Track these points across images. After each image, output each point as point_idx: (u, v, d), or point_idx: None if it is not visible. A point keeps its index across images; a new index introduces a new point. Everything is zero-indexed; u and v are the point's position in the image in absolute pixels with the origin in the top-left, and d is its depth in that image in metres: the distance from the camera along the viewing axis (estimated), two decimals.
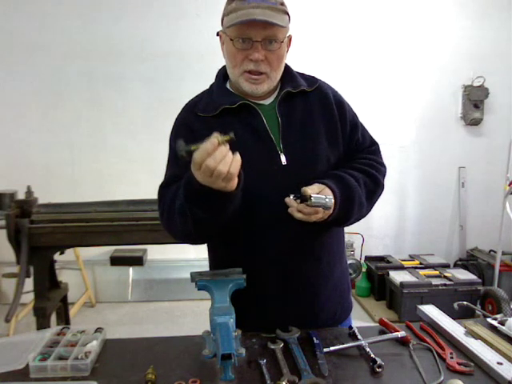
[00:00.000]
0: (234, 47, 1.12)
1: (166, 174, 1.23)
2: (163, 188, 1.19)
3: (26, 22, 3.65)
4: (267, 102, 1.21)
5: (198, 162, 0.93)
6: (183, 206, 1.05)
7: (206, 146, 0.92)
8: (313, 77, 1.29)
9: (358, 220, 1.21)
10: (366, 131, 1.33)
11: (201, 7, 3.60)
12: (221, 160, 0.92)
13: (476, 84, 3.93)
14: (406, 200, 4.18)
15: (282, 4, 1.12)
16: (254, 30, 1.08)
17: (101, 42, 3.73)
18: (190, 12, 3.66)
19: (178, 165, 1.14)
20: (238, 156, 0.95)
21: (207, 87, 1.30)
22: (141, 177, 3.63)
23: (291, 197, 1.06)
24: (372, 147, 1.32)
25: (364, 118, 1.35)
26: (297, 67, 1.30)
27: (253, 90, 1.16)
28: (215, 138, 0.92)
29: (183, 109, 1.26)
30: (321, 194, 1.05)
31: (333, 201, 1.02)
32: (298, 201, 1.06)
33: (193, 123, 1.19)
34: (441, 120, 4.08)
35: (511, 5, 3.95)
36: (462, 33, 3.97)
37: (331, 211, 1.08)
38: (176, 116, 1.26)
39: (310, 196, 1.01)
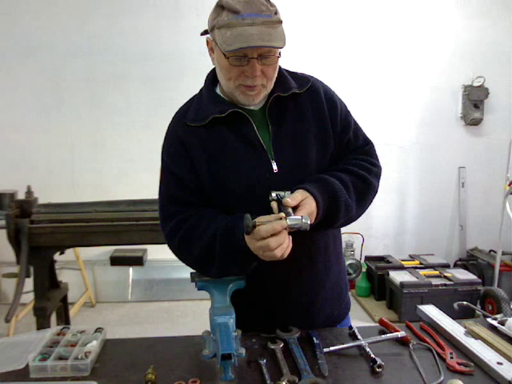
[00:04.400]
0: (228, 63, 1.07)
1: (164, 189, 1.21)
2: (169, 206, 1.18)
3: (25, 22, 3.65)
4: (257, 106, 1.18)
5: (262, 236, 0.96)
6: (210, 253, 1.09)
7: (275, 226, 0.96)
8: (305, 76, 1.25)
9: (349, 222, 1.19)
10: (360, 130, 1.29)
11: (201, 7, 3.60)
12: (280, 244, 0.97)
13: (476, 84, 3.93)
14: (406, 200, 4.18)
15: (276, 13, 1.06)
16: (250, 49, 1.04)
17: (101, 42, 3.73)
18: (190, 12, 3.66)
19: (180, 187, 1.16)
20: (291, 243, 1.00)
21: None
22: (141, 177, 3.63)
23: (273, 195, 1.05)
24: (366, 147, 1.28)
25: (364, 118, 1.34)
26: (296, 67, 1.29)
27: (249, 102, 1.14)
28: (285, 221, 0.96)
29: (173, 119, 1.24)
30: (298, 211, 1.01)
31: (309, 222, 0.98)
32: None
33: (183, 135, 1.17)
34: (441, 120, 4.08)
35: (511, 5, 3.95)
36: (462, 33, 3.97)
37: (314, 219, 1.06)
38: (169, 122, 1.25)
39: (286, 218, 0.97)
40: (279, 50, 1.08)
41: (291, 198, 1.02)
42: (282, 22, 1.07)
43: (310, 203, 1.04)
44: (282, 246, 0.98)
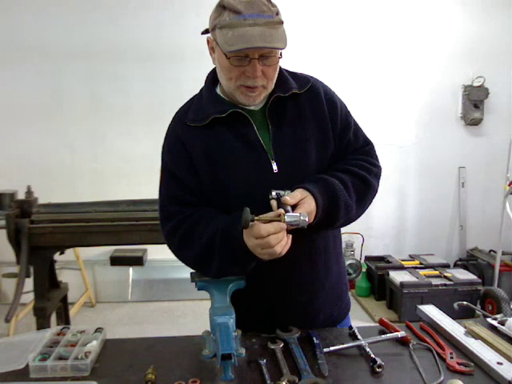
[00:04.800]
0: (229, 63, 1.07)
1: (164, 189, 1.22)
2: (169, 206, 1.19)
3: (25, 22, 3.65)
4: (258, 106, 1.19)
5: (262, 235, 0.97)
6: (209, 252, 1.09)
7: (275, 226, 0.97)
8: (305, 77, 1.25)
9: (348, 222, 1.19)
10: (360, 130, 1.29)
11: (201, 7, 3.60)
12: (279, 241, 0.98)
13: (476, 84, 3.93)
14: (406, 200, 4.18)
15: (278, 13, 1.06)
16: (251, 50, 1.04)
17: (101, 42, 3.73)
18: (190, 12, 3.66)
19: (181, 187, 1.17)
20: (290, 240, 1.01)
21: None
22: (141, 177, 3.63)
23: (273, 193, 1.06)
24: (366, 147, 1.27)
25: (364, 118, 1.33)
26: (295, 66, 1.28)
27: (250, 103, 1.14)
28: (283, 217, 0.97)
29: (173, 119, 1.24)
30: (297, 210, 1.01)
31: (307, 219, 0.99)
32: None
33: (184, 135, 1.17)
34: (441, 120, 4.08)
35: (511, 5, 3.95)
36: (462, 33, 3.97)
37: (312, 220, 1.06)
38: (169, 122, 1.25)
39: (284, 215, 0.98)
40: (280, 50, 1.08)
41: (290, 197, 1.03)
42: (283, 22, 1.07)
43: (309, 202, 1.05)
44: (281, 243, 0.98)
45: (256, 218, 0.98)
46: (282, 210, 0.99)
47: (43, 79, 3.74)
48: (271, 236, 0.97)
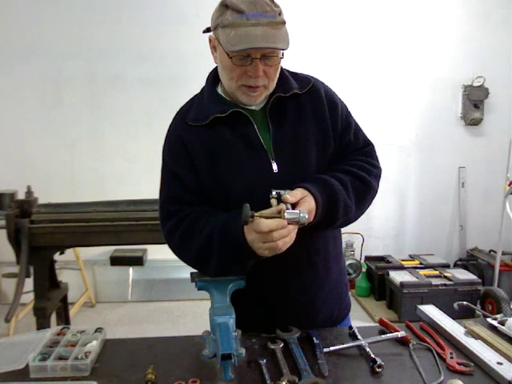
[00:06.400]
0: (231, 63, 1.08)
1: (164, 189, 1.22)
2: (169, 205, 1.19)
3: (25, 22, 3.65)
4: (258, 106, 1.19)
5: (263, 230, 0.96)
6: (208, 249, 1.09)
7: (280, 222, 0.97)
8: (306, 77, 1.25)
9: (348, 223, 1.19)
10: (360, 131, 1.29)
11: (201, 7, 3.60)
12: (282, 237, 0.98)
13: (476, 84, 3.93)
14: (406, 200, 4.18)
15: (280, 13, 1.06)
16: (254, 50, 1.04)
17: (101, 42, 3.73)
18: (190, 12, 3.66)
19: (181, 186, 1.17)
20: (294, 236, 1.01)
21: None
22: (141, 177, 3.63)
23: (273, 193, 1.06)
24: (366, 148, 1.27)
25: (364, 118, 1.33)
26: (295, 66, 1.28)
27: (251, 102, 1.15)
28: (283, 214, 0.98)
29: (174, 118, 1.24)
30: (297, 208, 1.02)
31: (307, 216, 0.99)
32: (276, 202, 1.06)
33: (185, 135, 1.17)
34: (441, 120, 4.08)
35: (511, 4, 3.95)
36: (463, 33, 3.97)
37: (311, 220, 1.06)
38: (170, 122, 1.25)
39: (284, 211, 0.99)
40: (282, 51, 1.08)
41: (291, 195, 1.03)
42: (285, 22, 1.07)
43: (308, 201, 1.05)
44: (285, 239, 0.98)
45: (256, 213, 0.98)
46: (282, 206, 1.00)
47: (43, 79, 3.74)
48: (274, 232, 0.97)
